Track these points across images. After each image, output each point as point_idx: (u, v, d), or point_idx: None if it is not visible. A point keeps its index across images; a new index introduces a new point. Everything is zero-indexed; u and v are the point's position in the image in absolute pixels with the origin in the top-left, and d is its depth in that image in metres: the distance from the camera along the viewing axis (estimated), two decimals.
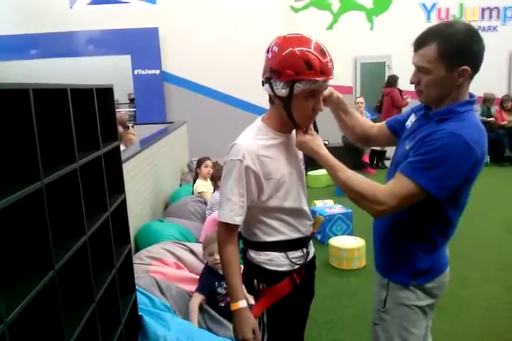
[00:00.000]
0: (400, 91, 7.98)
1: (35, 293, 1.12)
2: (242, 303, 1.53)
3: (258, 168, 1.50)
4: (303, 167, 1.70)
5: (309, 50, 1.42)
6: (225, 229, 1.56)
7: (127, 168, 3.34)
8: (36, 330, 1.25)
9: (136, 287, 2.30)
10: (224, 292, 2.60)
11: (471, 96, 1.54)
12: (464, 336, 2.81)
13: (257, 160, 1.50)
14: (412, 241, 1.58)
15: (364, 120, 1.89)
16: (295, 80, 1.42)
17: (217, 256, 2.55)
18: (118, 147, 1.94)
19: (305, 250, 1.66)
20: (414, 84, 1.55)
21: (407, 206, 1.49)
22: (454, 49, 1.42)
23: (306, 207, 1.67)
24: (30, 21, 8.25)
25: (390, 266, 1.66)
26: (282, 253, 1.60)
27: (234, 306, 1.53)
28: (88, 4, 8.63)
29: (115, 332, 1.79)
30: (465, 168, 1.42)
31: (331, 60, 1.47)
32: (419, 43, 1.47)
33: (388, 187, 1.47)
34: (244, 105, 8.52)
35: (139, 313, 2.17)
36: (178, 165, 6.21)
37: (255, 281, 1.65)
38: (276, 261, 1.60)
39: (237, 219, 1.53)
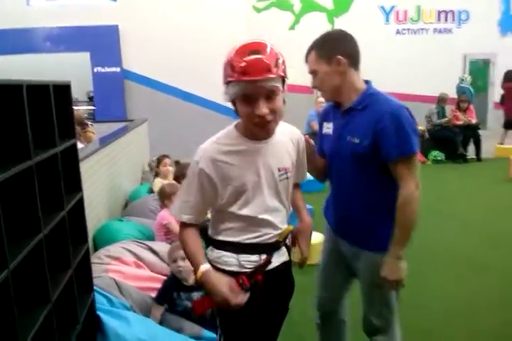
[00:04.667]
0: None
1: None
2: (204, 267, 1.48)
3: (212, 172, 1.49)
4: (283, 176, 1.59)
5: (234, 52, 1.42)
6: (180, 224, 1.59)
7: (85, 167, 3.29)
8: None
9: (95, 287, 2.28)
10: (184, 304, 2.55)
11: (366, 82, 1.88)
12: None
13: (212, 164, 1.48)
14: (385, 212, 1.79)
15: (318, 157, 2.01)
16: (228, 84, 1.42)
17: (181, 263, 2.56)
18: (75, 145, 1.92)
19: (263, 256, 1.59)
20: (316, 88, 1.90)
21: (379, 183, 1.81)
22: (326, 46, 1.81)
23: (270, 217, 1.58)
24: None
25: (371, 236, 1.84)
26: (233, 254, 1.58)
27: (198, 274, 1.48)
28: (46, 0, 8.42)
29: (73, 332, 1.77)
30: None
31: (259, 60, 1.38)
32: (306, 55, 1.87)
33: (407, 179, 1.74)
34: (206, 103, 8.49)
35: (97, 312, 2.15)
36: (138, 164, 6.14)
37: None
38: (225, 260, 1.58)
39: (185, 217, 1.54)
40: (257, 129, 1.47)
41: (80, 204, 1.96)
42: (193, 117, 8.49)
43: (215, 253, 1.61)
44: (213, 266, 1.56)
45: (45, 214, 1.55)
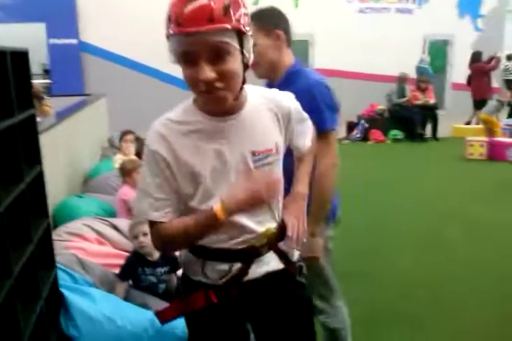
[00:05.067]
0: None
1: None
2: (214, 208, 1.16)
3: (168, 154, 1.18)
4: (262, 162, 1.26)
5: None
6: (151, 227, 1.24)
7: (42, 141, 3.16)
8: None
9: (57, 264, 2.22)
10: (149, 280, 2.50)
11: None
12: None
13: (166, 145, 1.18)
14: None
15: None
16: (168, 39, 1.12)
17: (142, 239, 2.51)
18: (34, 115, 1.84)
19: (235, 266, 1.28)
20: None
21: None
22: (265, 19, 1.77)
23: (243, 220, 1.25)
24: None
25: None
26: (199, 261, 1.29)
27: (217, 212, 1.15)
28: None
29: (35, 308, 1.73)
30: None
31: (200, 6, 1.03)
32: None
33: (323, 156, 1.67)
34: (167, 78, 8.30)
35: (60, 289, 2.10)
36: (97, 140, 5.98)
37: (179, 284, 1.45)
38: (191, 267, 1.33)
39: (155, 214, 1.20)
40: (206, 100, 1.15)
41: (40, 178, 1.89)
42: (153, 92, 8.31)
43: (184, 258, 1.36)
44: (183, 275, 1.37)
45: (4, 186, 1.49)
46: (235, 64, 1.10)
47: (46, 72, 8.73)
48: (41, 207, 1.93)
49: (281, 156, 1.31)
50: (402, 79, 9.04)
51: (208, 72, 1.06)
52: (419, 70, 9.80)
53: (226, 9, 1.05)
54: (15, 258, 1.52)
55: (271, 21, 1.78)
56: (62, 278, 2.23)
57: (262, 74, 1.85)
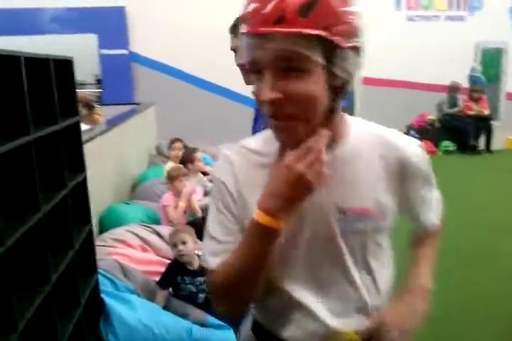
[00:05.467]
0: None
1: None
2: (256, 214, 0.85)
3: (235, 189, 0.93)
4: (354, 226, 0.92)
5: None
6: (208, 276, 0.96)
7: (91, 148, 3.24)
8: None
9: (98, 269, 2.24)
10: (188, 289, 2.48)
11: None
12: None
13: (234, 176, 0.94)
14: None
15: None
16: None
17: (181, 247, 2.50)
18: (78, 123, 1.86)
19: None
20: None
21: None
22: None
23: (312, 301, 0.94)
24: None
25: None
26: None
27: (257, 217, 0.84)
28: None
29: (74, 314, 1.73)
30: None
31: (274, 3, 0.75)
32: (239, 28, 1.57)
33: None
34: (214, 88, 8.39)
35: (101, 295, 2.11)
36: (145, 148, 6.09)
37: None
38: None
39: (213, 260, 0.92)
40: (273, 128, 0.86)
41: (83, 184, 1.91)
42: (201, 102, 8.40)
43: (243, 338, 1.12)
44: None
45: (46, 192, 1.50)
46: (310, 84, 0.79)
47: (98, 82, 9.00)
48: (84, 214, 1.95)
49: (387, 226, 0.96)
50: (453, 89, 8.76)
51: (269, 91, 0.78)
52: (472, 79, 9.47)
53: (307, 9, 0.75)
54: (54, 264, 1.53)
55: None
56: (104, 284, 2.25)
57: None
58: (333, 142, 0.88)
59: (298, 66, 0.78)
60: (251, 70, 0.83)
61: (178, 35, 8.35)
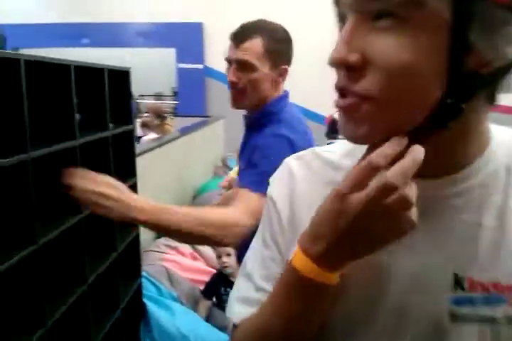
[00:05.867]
0: None
1: (14, 267, 1.12)
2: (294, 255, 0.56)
3: (288, 211, 0.67)
4: (487, 312, 0.55)
5: None
6: (232, 331, 0.72)
7: (156, 155, 3.40)
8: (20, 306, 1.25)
9: (145, 274, 2.30)
10: None
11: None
12: None
13: (290, 191, 0.67)
14: None
15: None
16: None
17: (225, 259, 2.51)
18: (131, 131, 1.93)
19: None
20: (233, 85, 1.39)
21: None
22: (278, 46, 1.38)
23: None
24: (83, 10, 8.49)
25: None
26: None
27: (294, 263, 0.55)
28: None
29: (112, 316, 1.78)
30: None
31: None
32: (244, 36, 1.37)
33: (241, 207, 1.22)
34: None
35: (144, 300, 2.16)
36: (211, 159, 6.22)
37: None
38: None
39: (238, 310, 0.68)
40: (339, 116, 0.56)
41: (132, 188, 1.96)
42: None
43: None
44: None
45: None
46: (411, 46, 0.46)
47: (175, 94, 9.36)
48: None
49: None
50: None
51: (345, 47, 0.48)
52: None
53: None
54: (92, 265, 1.59)
55: (284, 53, 1.43)
56: (148, 289, 2.30)
57: (241, 106, 1.47)
58: (447, 169, 0.55)
59: (397, 11, 0.45)
60: (337, 16, 0.53)
61: None
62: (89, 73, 1.61)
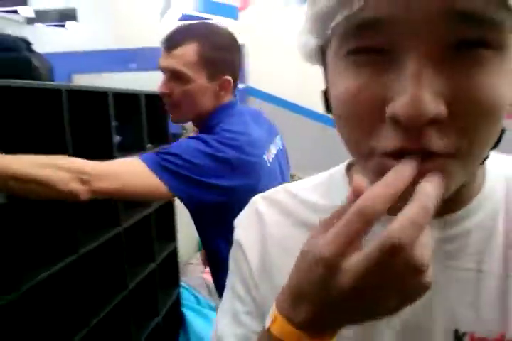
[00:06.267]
0: None
1: (56, 273, 1.26)
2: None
3: (257, 256, 0.57)
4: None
5: None
6: None
7: None
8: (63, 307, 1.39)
9: (184, 284, 2.43)
10: None
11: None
12: None
13: (259, 234, 0.58)
14: None
15: None
16: None
17: None
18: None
19: None
20: (164, 97, 1.19)
21: None
22: (217, 54, 1.15)
23: None
24: (129, 36, 8.93)
25: None
26: None
27: (274, 329, 0.41)
28: (178, 20, 9.14)
29: (151, 323, 1.91)
30: None
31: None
32: (175, 41, 1.15)
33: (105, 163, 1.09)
34: (324, 119, 8.48)
35: (183, 309, 2.28)
36: None
37: None
38: None
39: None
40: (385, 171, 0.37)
41: (169, 203, 2.11)
42: (316, 135, 8.52)
43: None
44: None
45: (129, 207, 1.72)
46: (498, 79, 0.36)
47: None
48: (169, 232, 2.15)
49: None
50: None
51: (429, 95, 0.34)
52: None
53: None
54: (132, 274, 1.72)
55: (224, 62, 1.19)
56: (187, 299, 2.42)
57: (177, 120, 1.28)
58: (442, 209, 0.38)
59: (487, 37, 0.34)
60: (353, 52, 0.38)
61: (291, 71, 8.67)
62: (128, 98, 1.78)
